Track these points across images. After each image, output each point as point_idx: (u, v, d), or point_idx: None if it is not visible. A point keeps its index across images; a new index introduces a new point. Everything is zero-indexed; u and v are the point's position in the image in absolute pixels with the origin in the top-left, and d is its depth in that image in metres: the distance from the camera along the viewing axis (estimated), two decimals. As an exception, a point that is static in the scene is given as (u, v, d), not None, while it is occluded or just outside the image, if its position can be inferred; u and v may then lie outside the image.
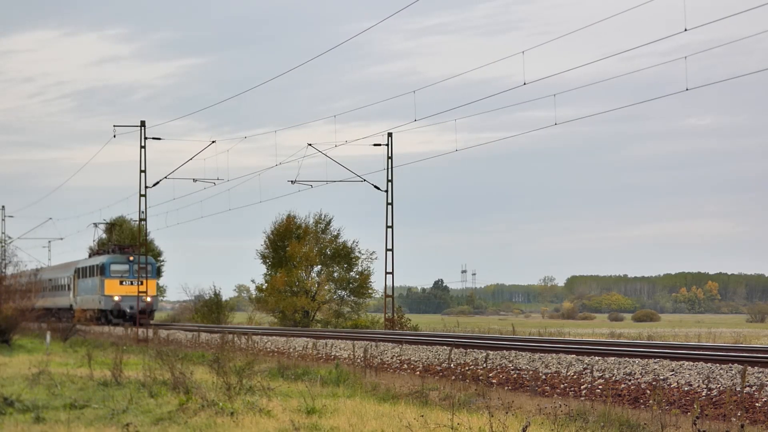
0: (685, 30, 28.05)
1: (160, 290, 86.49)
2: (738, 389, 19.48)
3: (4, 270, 67.08)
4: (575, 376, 23.51)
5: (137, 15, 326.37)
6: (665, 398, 19.81)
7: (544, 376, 24.34)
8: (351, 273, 67.63)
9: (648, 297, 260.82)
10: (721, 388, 19.93)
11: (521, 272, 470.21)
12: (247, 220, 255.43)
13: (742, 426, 15.13)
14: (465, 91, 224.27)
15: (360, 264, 67.59)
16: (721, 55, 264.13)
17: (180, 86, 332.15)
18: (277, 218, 69.41)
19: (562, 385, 23.31)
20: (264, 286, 68.84)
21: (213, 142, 55.06)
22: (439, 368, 28.25)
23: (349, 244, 67.74)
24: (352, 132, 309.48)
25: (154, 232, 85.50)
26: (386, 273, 53.73)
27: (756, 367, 20.35)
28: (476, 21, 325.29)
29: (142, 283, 59.55)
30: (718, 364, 21.24)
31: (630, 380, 22.10)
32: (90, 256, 76.02)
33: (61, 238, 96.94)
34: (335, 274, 67.62)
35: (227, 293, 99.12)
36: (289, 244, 66.76)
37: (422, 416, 17.11)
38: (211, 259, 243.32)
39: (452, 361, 28.19)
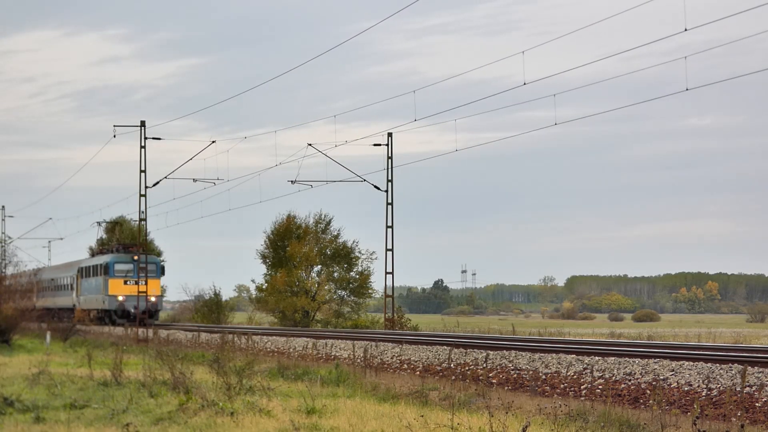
0: (685, 30, 28.07)
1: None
2: (738, 389, 19.48)
3: (4, 270, 67.16)
4: (575, 376, 23.52)
5: (137, 15, 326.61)
6: (665, 398, 19.81)
7: (544, 376, 24.34)
8: (351, 273, 67.63)
9: (648, 297, 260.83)
10: (721, 388, 19.94)
11: (521, 272, 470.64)
12: (247, 220, 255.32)
13: (742, 426, 15.14)
14: (465, 91, 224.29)
15: (360, 264, 67.64)
16: (721, 55, 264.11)
17: (180, 86, 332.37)
18: (277, 218, 69.47)
19: (562, 385, 23.31)
20: (264, 286, 68.83)
21: (213, 142, 55.08)
22: (439, 368, 28.25)
23: (349, 244, 67.77)
24: (352, 132, 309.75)
25: (154, 232, 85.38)
26: (386, 273, 53.76)
27: (756, 367, 20.35)
28: (476, 21, 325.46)
29: (146, 283, 59.32)
30: (718, 364, 21.24)
31: (630, 380, 22.10)
32: (93, 255, 75.75)
33: (61, 238, 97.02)
34: (335, 274, 67.62)
35: (227, 293, 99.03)
36: (289, 244, 66.76)
37: (422, 416, 17.12)
38: (211, 259, 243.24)
39: (452, 361, 28.19)
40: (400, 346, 32.36)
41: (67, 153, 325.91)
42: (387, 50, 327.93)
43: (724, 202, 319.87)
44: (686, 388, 20.59)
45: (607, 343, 30.56)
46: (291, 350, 38.06)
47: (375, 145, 54.12)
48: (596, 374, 23.13)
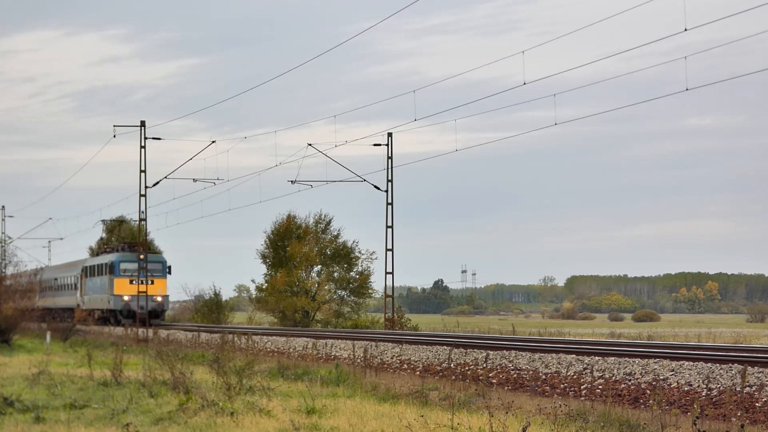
0: (685, 30, 28.07)
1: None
2: (738, 389, 19.48)
3: (4, 270, 67.14)
4: (575, 376, 23.51)
5: (137, 15, 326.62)
6: (665, 398, 19.81)
7: (544, 376, 24.34)
8: (351, 273, 67.63)
9: (648, 297, 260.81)
10: (721, 388, 19.93)
11: (521, 272, 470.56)
12: (247, 220, 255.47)
13: (742, 426, 15.13)
14: (465, 91, 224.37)
15: (360, 264, 67.64)
16: (721, 55, 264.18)
17: (180, 86, 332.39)
18: (277, 218, 69.46)
19: (562, 385, 23.31)
20: (264, 286, 68.82)
21: (213, 142, 55.04)
22: (439, 368, 28.25)
23: (349, 244, 67.76)
24: (352, 132, 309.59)
25: (154, 232, 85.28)
26: (386, 273, 53.76)
27: (756, 367, 20.35)
28: (476, 21, 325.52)
29: (152, 282, 58.88)
30: (718, 364, 21.24)
31: (630, 380, 22.10)
32: (97, 254, 75.34)
33: (61, 238, 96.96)
34: (335, 274, 67.62)
35: (227, 293, 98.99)
36: (290, 244, 66.76)
37: (422, 416, 17.12)
38: (211, 259, 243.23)
39: (452, 361, 28.19)
40: (400, 346, 32.35)
41: (67, 153, 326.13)
42: (387, 50, 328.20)
43: (724, 202, 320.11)
44: (686, 388, 20.59)
45: (607, 343, 30.55)
46: (291, 350, 38.06)
47: (375, 145, 54.16)
48: (596, 374, 23.13)
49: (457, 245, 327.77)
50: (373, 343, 33.62)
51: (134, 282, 63.53)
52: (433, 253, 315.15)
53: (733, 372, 20.44)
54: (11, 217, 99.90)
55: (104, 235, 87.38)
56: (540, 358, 25.64)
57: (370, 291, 68.25)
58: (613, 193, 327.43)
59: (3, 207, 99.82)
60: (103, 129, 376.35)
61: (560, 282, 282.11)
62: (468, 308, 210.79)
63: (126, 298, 64.53)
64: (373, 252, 67.58)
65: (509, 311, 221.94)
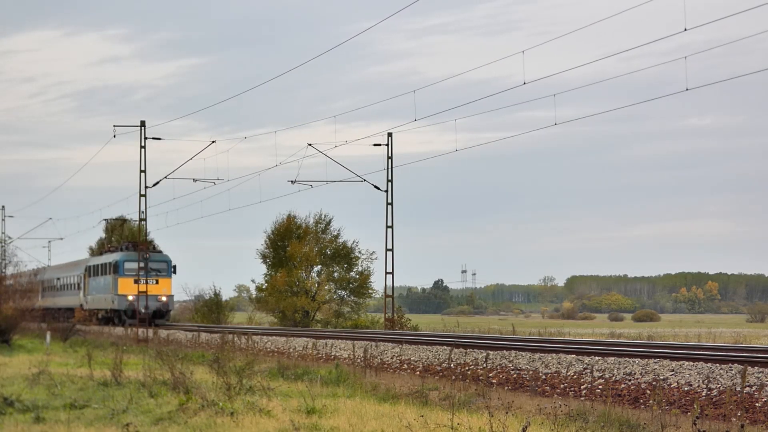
0: (685, 30, 28.07)
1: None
2: (738, 389, 19.48)
3: (4, 270, 67.14)
4: (575, 376, 23.51)
5: (137, 15, 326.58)
6: (665, 398, 19.81)
7: (544, 376, 24.34)
8: (351, 273, 67.63)
9: (648, 297, 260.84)
10: (721, 388, 19.93)
11: (521, 272, 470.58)
12: (247, 220, 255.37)
13: (742, 426, 15.13)
14: (465, 91, 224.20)
15: (360, 264, 67.63)
16: (721, 55, 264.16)
17: (180, 86, 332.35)
18: (277, 218, 69.45)
19: (562, 385, 23.31)
20: (264, 286, 68.82)
21: (213, 142, 55.04)
22: (439, 368, 28.25)
23: (349, 244, 67.76)
24: (352, 132, 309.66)
25: (154, 232, 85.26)
26: (386, 273, 53.77)
27: (756, 367, 20.34)
28: (476, 21, 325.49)
29: (157, 282, 58.66)
30: (718, 364, 21.24)
31: (630, 380, 22.10)
32: (100, 254, 75.07)
33: (61, 238, 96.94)
34: (335, 274, 67.62)
35: (227, 293, 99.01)
36: (290, 244, 66.76)
37: (422, 416, 17.12)
38: (211, 259, 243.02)
39: (452, 361, 28.19)
40: (400, 346, 32.35)
41: (67, 153, 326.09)
42: (387, 50, 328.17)
43: (724, 202, 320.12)
44: (686, 388, 20.59)
45: (607, 343, 30.56)
46: (291, 350, 38.05)
47: (375, 145, 54.16)
48: (596, 374, 23.13)
49: (457, 245, 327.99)
50: (373, 343, 33.61)
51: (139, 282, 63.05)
52: (433, 253, 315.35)
53: (733, 372, 20.44)
54: (11, 217, 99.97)
55: (104, 234, 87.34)
56: (540, 358, 25.63)
57: (370, 291, 68.25)
58: (613, 193, 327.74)
59: (3, 207, 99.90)
60: (103, 129, 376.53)
61: (560, 282, 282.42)
62: (468, 308, 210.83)
63: (130, 298, 63.67)
64: (373, 252, 67.64)
65: (509, 311, 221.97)
